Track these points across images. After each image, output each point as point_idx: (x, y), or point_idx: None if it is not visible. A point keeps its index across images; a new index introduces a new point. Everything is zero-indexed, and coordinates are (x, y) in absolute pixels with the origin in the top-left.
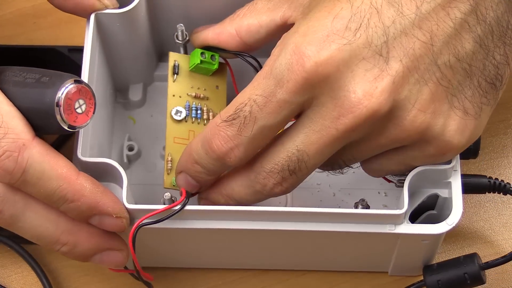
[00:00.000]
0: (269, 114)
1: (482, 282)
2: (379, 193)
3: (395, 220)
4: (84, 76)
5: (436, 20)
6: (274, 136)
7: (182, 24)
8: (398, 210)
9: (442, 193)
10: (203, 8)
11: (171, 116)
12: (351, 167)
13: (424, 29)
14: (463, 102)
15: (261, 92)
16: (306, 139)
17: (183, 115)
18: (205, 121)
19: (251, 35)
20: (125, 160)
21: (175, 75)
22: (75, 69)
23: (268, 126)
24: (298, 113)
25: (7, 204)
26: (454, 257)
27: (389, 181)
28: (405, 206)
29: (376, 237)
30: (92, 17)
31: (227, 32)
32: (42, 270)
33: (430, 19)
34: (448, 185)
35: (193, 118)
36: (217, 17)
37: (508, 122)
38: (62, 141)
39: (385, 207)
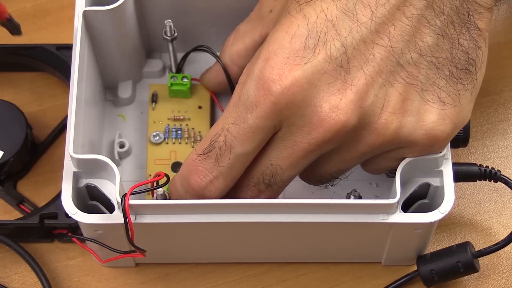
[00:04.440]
0: (244, 141)
1: (475, 270)
2: (370, 184)
3: (387, 209)
4: (74, 74)
5: (393, 22)
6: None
7: (170, 20)
8: (390, 199)
9: (434, 181)
10: (191, 3)
11: (150, 140)
12: (340, 178)
13: (381, 32)
14: (438, 93)
15: (233, 121)
16: (279, 155)
17: (161, 138)
18: (186, 140)
19: (243, 59)
20: (116, 157)
21: (154, 103)
22: (64, 67)
23: (245, 153)
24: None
25: None
26: (447, 246)
27: None
28: (397, 195)
29: (369, 227)
30: (81, 14)
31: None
32: (42, 270)
33: (386, 22)
34: (440, 174)
35: (173, 139)
36: (204, 12)
37: (508, 122)
38: (55, 137)
39: (377, 197)
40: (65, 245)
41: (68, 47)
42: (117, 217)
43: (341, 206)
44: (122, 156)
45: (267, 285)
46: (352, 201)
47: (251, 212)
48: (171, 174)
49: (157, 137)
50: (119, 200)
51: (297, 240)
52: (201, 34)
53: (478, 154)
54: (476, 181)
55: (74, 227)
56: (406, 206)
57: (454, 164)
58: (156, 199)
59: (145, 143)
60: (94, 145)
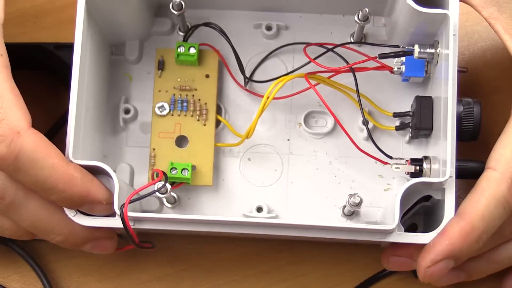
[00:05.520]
0: None
1: None
2: (376, 162)
3: (385, 232)
4: (78, 31)
5: None
6: None
7: None
8: (388, 225)
9: (436, 194)
10: None
11: (155, 112)
12: None
13: None
14: None
15: None
16: None
17: (167, 110)
18: (192, 113)
19: None
20: (122, 124)
21: (160, 70)
22: (62, 66)
23: None
24: None
25: (8, 191)
26: None
27: (385, 162)
28: (396, 221)
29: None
30: None
31: None
32: (42, 270)
33: None
34: (443, 189)
35: (179, 111)
36: None
37: None
38: (53, 137)
39: (381, 177)
40: None
41: (66, 46)
42: (116, 221)
43: (339, 228)
44: (127, 121)
45: (267, 285)
46: (350, 224)
47: (253, 227)
48: (174, 149)
49: (162, 109)
50: (118, 211)
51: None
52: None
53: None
54: None
55: None
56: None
57: (460, 160)
58: (159, 193)
59: (150, 106)
60: (99, 107)
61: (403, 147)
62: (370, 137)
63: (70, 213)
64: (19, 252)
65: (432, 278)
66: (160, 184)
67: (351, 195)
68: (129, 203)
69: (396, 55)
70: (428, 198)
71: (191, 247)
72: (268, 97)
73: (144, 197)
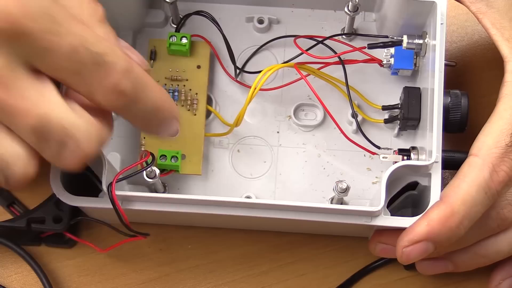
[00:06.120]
0: None
1: None
2: (364, 155)
3: (371, 214)
4: None
5: None
6: None
7: None
8: (374, 207)
9: (422, 181)
10: None
11: None
12: None
13: None
14: None
15: None
16: None
17: None
18: (183, 102)
19: None
20: (113, 113)
21: (152, 60)
22: None
23: None
24: None
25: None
26: None
27: (373, 153)
28: (382, 203)
29: (353, 225)
30: None
31: None
32: (42, 270)
33: None
34: (429, 175)
35: None
36: None
37: None
38: None
39: (369, 170)
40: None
41: None
42: (105, 201)
43: (325, 209)
44: None
45: (267, 285)
46: (336, 206)
47: (243, 207)
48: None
49: None
50: (106, 189)
51: (286, 222)
52: None
53: None
54: None
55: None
56: (395, 194)
57: (447, 151)
58: (147, 177)
59: None
60: None
61: (391, 140)
62: (359, 128)
63: (58, 193)
64: (19, 252)
65: (409, 259)
66: (146, 164)
67: (338, 182)
68: (117, 181)
69: (385, 45)
70: (414, 187)
71: (191, 247)
72: (257, 85)
73: (131, 176)
